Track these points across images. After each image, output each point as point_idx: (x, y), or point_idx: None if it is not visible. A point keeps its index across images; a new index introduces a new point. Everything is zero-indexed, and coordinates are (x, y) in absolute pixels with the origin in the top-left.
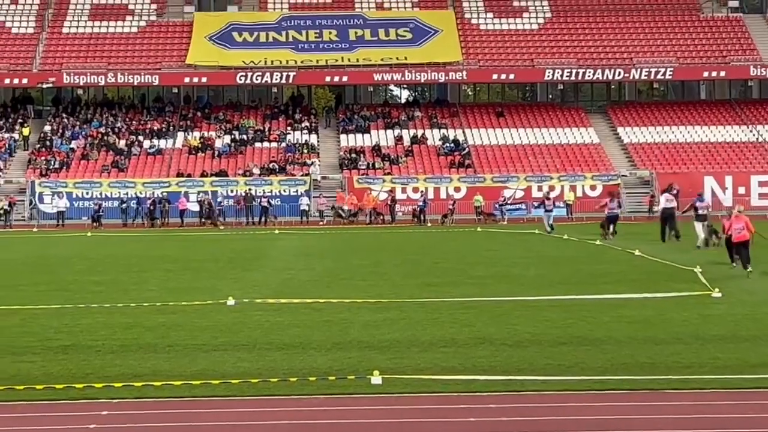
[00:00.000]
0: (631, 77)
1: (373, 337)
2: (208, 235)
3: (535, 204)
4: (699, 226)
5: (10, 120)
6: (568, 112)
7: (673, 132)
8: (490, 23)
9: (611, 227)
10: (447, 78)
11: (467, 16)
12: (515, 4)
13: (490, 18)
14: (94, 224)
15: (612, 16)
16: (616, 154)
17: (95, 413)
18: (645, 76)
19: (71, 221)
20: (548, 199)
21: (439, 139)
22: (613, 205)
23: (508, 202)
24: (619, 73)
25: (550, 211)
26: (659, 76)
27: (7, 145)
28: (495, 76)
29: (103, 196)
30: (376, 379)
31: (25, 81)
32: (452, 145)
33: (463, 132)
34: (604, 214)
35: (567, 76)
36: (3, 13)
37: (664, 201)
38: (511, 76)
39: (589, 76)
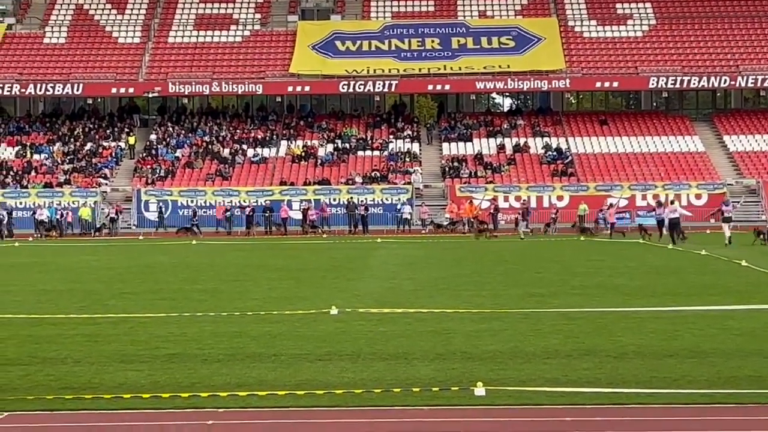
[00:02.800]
0: (737, 85)
1: (475, 347)
2: (310, 243)
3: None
4: (725, 227)
5: (117, 129)
6: (672, 120)
7: None
8: (594, 31)
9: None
10: (550, 86)
11: (570, 23)
12: (619, 11)
13: (593, 25)
14: (191, 232)
15: (718, 22)
16: (722, 162)
17: (201, 422)
18: (751, 83)
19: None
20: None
21: (542, 148)
22: (660, 210)
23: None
24: (725, 81)
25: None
26: (766, 84)
27: (113, 154)
28: (598, 84)
29: (207, 204)
30: (480, 390)
31: (131, 90)
32: (555, 153)
33: (566, 140)
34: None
35: (672, 84)
36: (110, 23)
37: (669, 212)
38: (615, 84)
39: (694, 83)
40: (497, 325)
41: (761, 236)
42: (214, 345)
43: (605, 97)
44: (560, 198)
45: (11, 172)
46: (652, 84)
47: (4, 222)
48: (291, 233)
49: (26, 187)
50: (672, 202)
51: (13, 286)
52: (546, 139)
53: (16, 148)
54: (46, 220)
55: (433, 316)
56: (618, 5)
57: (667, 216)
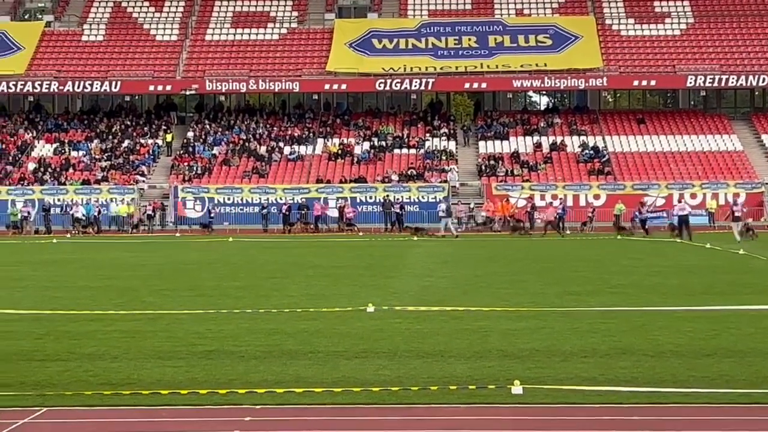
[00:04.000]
0: None
1: (512, 345)
2: (347, 241)
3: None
4: (734, 225)
5: (154, 126)
6: (710, 119)
7: None
8: (632, 29)
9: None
10: (587, 84)
11: (608, 21)
12: (657, 9)
13: (631, 24)
14: (207, 230)
15: (756, 21)
16: (760, 161)
17: (238, 419)
18: None
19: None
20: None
21: (579, 146)
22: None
23: (649, 210)
24: (764, 79)
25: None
26: None
27: (151, 151)
28: (636, 83)
29: (245, 201)
30: (517, 388)
31: (168, 88)
32: (592, 152)
33: (603, 139)
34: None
35: (710, 83)
36: (147, 21)
37: (678, 209)
38: (653, 83)
39: (732, 82)
40: (534, 324)
41: (750, 231)
42: (251, 342)
43: (642, 95)
44: (597, 197)
45: (49, 169)
46: (690, 83)
47: (30, 219)
48: (328, 231)
49: (64, 184)
50: (680, 201)
51: (51, 283)
52: (583, 137)
53: (54, 145)
54: (82, 217)
55: (469, 314)
56: (656, 3)
57: (677, 213)
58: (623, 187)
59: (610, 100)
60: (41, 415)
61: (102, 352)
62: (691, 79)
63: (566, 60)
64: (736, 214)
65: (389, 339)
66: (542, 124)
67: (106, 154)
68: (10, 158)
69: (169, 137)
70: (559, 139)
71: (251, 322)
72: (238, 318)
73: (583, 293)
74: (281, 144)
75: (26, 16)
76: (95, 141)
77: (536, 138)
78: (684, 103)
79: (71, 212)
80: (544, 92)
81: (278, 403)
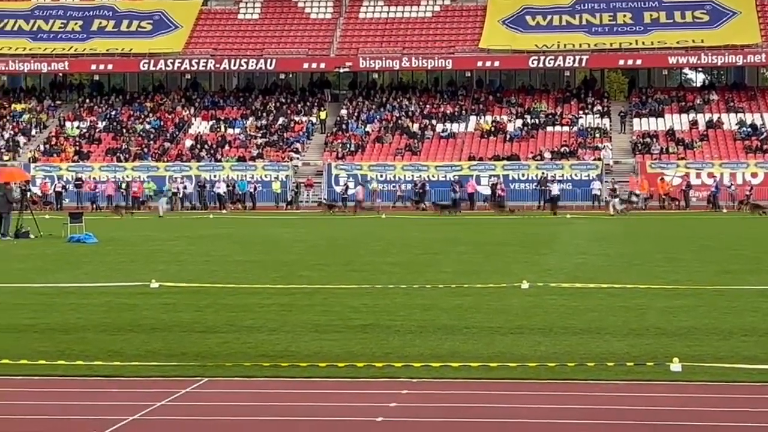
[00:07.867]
0: None
1: (670, 323)
2: (498, 219)
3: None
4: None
5: (308, 104)
6: None
7: None
8: None
9: None
10: (745, 61)
11: None
12: None
13: None
14: (335, 208)
15: None
16: None
17: (395, 392)
18: None
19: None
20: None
21: (736, 124)
22: None
23: None
24: None
25: None
26: None
27: (305, 129)
28: None
29: (397, 178)
30: (676, 366)
31: (322, 66)
32: (749, 129)
33: (761, 116)
34: None
35: None
36: None
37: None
38: None
39: None
40: (692, 302)
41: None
42: (406, 317)
43: None
44: (754, 175)
45: (206, 146)
46: None
47: (179, 195)
48: (479, 209)
49: (220, 161)
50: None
51: (209, 257)
52: (740, 114)
53: (211, 123)
54: (224, 194)
55: (625, 291)
56: None
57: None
58: None
59: None
60: (202, 385)
61: (260, 324)
62: None
63: (723, 36)
64: (616, 192)
65: (544, 315)
66: (698, 101)
67: (261, 132)
68: (168, 135)
69: (323, 114)
70: (715, 117)
71: (406, 297)
72: (392, 293)
73: (742, 272)
74: (434, 121)
75: None
76: (250, 118)
77: (692, 115)
78: None
79: (215, 189)
80: (699, 69)
81: (434, 377)
